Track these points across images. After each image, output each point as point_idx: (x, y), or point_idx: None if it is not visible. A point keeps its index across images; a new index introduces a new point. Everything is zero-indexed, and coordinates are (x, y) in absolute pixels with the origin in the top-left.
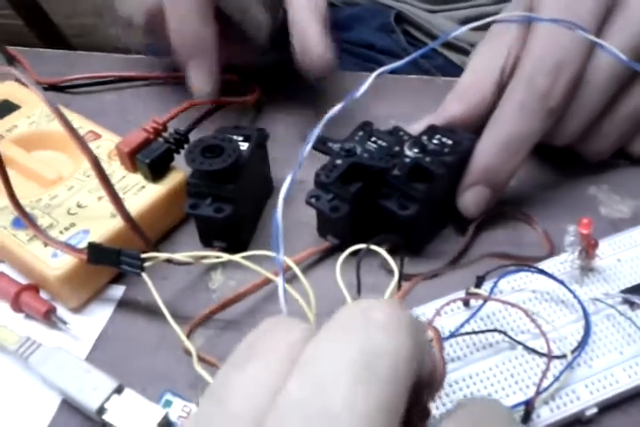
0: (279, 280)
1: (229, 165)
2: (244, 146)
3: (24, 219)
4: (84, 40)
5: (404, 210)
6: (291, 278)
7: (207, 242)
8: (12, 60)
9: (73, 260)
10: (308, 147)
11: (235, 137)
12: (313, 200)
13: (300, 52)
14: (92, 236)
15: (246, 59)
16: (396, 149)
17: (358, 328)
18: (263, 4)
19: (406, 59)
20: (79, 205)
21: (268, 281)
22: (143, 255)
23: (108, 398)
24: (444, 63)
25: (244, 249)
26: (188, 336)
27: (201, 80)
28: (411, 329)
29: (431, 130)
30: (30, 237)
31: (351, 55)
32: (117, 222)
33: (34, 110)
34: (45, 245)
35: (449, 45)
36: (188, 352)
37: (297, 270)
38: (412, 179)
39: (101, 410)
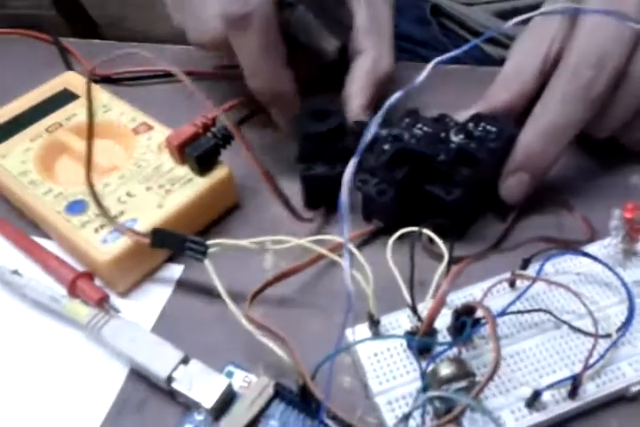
0: (345, 261)
1: (337, 125)
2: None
3: (95, 203)
4: (116, 30)
5: (450, 194)
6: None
7: (315, 204)
8: (64, 53)
9: (122, 246)
10: (370, 135)
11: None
12: (360, 184)
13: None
14: (141, 224)
15: (310, 74)
16: (443, 135)
17: None
18: (331, 30)
19: (463, 47)
20: (129, 194)
21: (320, 257)
22: (208, 242)
23: (175, 368)
24: (481, 55)
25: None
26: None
27: (284, 121)
28: None
29: (477, 117)
30: (83, 222)
31: None
32: (163, 213)
33: (91, 100)
34: (96, 230)
35: (490, 40)
36: (249, 320)
37: (360, 256)
38: (458, 164)
39: (170, 379)
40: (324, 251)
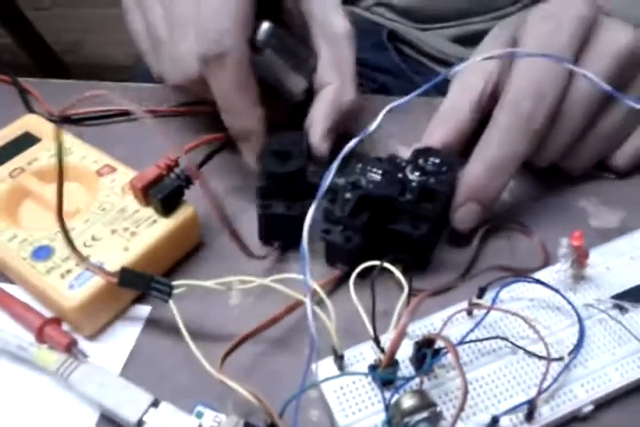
0: (307, 301)
1: (299, 167)
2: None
3: (68, 243)
4: (73, 56)
5: (417, 230)
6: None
7: (269, 239)
8: (24, 94)
9: (88, 291)
10: (327, 181)
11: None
12: (324, 234)
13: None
14: (107, 268)
15: (280, 114)
16: (400, 175)
17: None
18: (298, 71)
19: (415, 92)
20: (94, 238)
21: (295, 306)
22: (174, 283)
23: (145, 412)
24: (441, 82)
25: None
26: (222, 362)
27: (252, 158)
28: None
29: (422, 152)
30: (48, 268)
31: None
32: (129, 255)
33: (53, 143)
34: (62, 276)
35: (443, 63)
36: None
37: (322, 294)
38: (420, 200)
39: (141, 423)
40: (287, 290)
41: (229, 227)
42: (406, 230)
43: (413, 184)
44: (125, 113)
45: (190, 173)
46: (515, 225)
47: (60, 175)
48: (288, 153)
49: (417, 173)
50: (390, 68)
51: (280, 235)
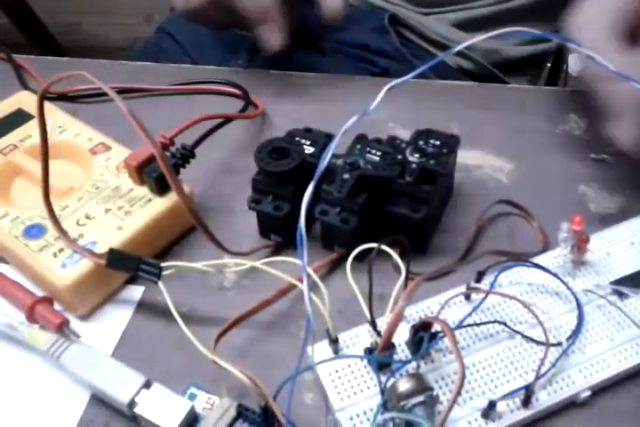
0: (304, 284)
1: (292, 168)
2: (310, 150)
3: (54, 224)
4: (68, 37)
5: (417, 212)
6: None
7: (265, 234)
8: (19, 70)
9: (81, 270)
10: (326, 160)
11: (302, 140)
12: (321, 215)
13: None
14: (99, 247)
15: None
16: (399, 157)
17: None
18: None
19: (416, 71)
20: (87, 217)
21: (290, 288)
22: (163, 264)
23: (137, 393)
24: (439, 65)
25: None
26: (216, 343)
27: (275, 39)
28: None
29: (422, 134)
30: (40, 247)
31: (345, 56)
32: (123, 235)
33: (47, 121)
34: (55, 255)
35: (444, 48)
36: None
37: (316, 278)
38: (420, 182)
39: (132, 404)
40: (281, 274)
41: (199, 222)
42: (405, 213)
43: (413, 166)
44: (121, 91)
45: (186, 150)
46: (514, 209)
47: (45, 154)
48: (286, 151)
49: (417, 155)
50: (391, 52)
51: (275, 231)
